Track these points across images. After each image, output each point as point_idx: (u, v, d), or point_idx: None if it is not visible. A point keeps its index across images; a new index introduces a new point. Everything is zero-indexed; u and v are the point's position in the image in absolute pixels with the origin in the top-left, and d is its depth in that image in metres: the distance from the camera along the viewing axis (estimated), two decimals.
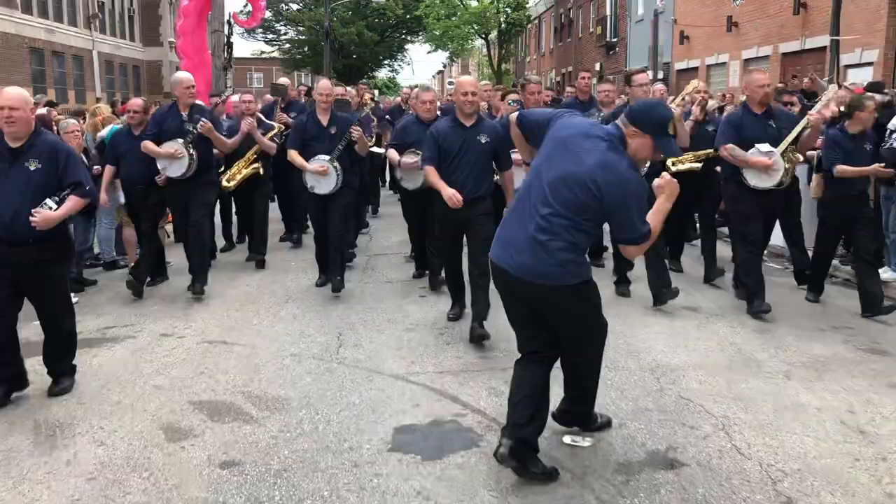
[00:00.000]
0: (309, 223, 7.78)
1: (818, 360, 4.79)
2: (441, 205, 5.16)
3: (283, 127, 7.97)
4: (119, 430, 3.79)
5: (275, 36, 44.19)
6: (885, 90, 7.66)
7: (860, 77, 11.89)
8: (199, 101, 6.69)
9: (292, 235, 8.83)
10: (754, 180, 5.65)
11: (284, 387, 4.35)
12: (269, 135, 7.68)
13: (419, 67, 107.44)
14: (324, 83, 6.55)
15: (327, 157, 6.17)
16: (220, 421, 3.88)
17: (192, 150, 6.16)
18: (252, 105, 7.84)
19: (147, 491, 3.20)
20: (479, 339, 5.03)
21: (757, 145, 5.59)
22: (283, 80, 9.84)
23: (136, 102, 6.82)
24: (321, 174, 6.17)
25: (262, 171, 7.70)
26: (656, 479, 3.27)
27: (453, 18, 37.03)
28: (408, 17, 41.02)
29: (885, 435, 3.71)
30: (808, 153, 6.63)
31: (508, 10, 37.03)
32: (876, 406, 4.05)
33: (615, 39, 27.17)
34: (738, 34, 17.51)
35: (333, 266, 6.40)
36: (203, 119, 6.22)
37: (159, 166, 6.31)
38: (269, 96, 10.27)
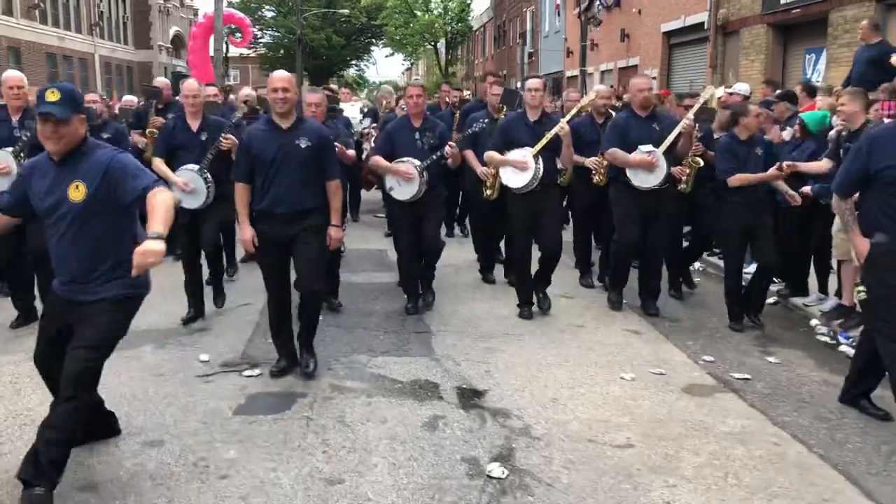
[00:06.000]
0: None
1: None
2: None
3: (156, 131, 7.40)
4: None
5: (251, 39, 48.74)
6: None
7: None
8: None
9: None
10: (637, 180, 5.66)
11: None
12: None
13: (382, 67, 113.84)
14: (189, 83, 5.70)
15: (196, 168, 5.51)
16: None
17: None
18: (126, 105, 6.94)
19: None
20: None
21: (640, 146, 5.63)
22: (160, 81, 9.22)
23: None
24: (186, 190, 5.44)
25: None
26: None
27: (410, 26, 42.15)
28: (371, 24, 44.94)
29: None
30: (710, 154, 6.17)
31: (453, 23, 42.87)
32: None
33: (532, 50, 33.48)
34: (597, 52, 23.72)
35: (216, 287, 6.00)
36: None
37: None
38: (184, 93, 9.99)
